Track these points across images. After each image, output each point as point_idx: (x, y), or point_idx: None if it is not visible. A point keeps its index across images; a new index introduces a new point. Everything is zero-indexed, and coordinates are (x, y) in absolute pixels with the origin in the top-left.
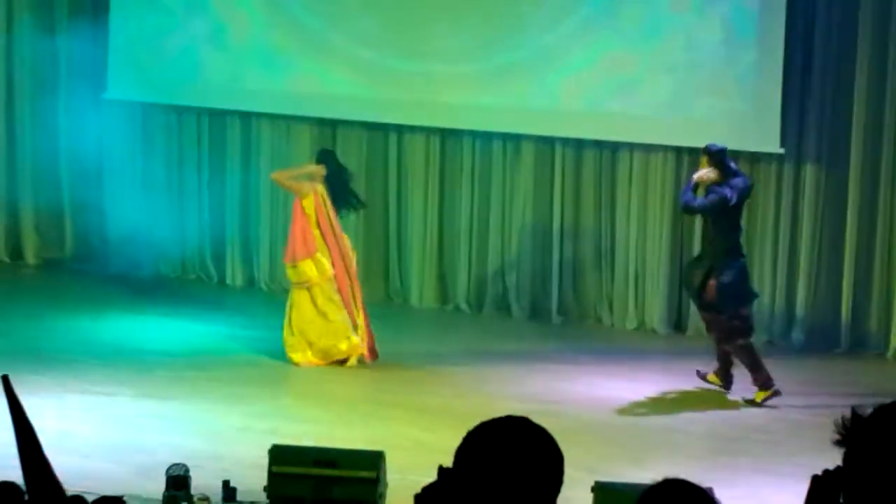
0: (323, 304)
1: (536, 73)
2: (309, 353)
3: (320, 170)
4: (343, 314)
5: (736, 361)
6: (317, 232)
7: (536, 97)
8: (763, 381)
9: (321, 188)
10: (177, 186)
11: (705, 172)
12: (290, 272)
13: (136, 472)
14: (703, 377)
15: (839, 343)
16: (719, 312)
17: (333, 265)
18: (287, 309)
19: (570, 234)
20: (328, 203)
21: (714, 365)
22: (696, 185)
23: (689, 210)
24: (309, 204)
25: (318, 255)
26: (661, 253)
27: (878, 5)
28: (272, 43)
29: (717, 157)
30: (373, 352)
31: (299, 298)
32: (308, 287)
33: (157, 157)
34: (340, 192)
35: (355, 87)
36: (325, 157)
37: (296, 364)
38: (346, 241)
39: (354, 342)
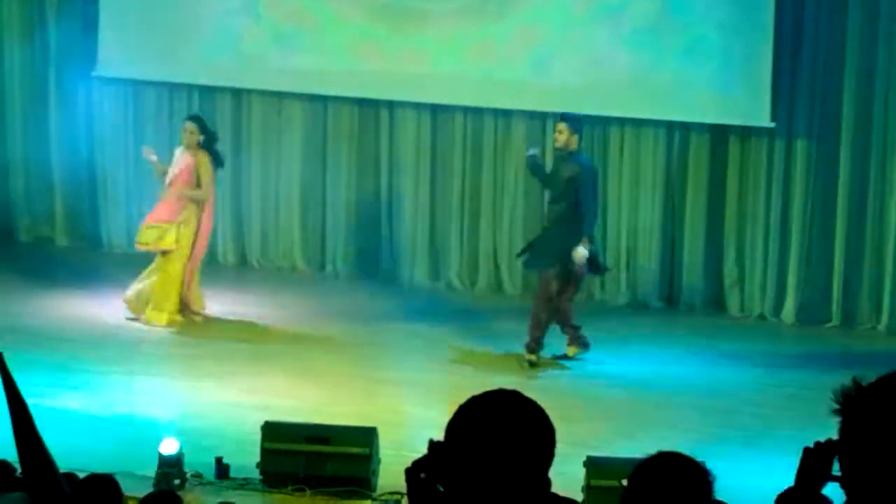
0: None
1: (524, 47)
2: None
3: (196, 138)
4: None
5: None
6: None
7: (526, 71)
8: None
9: (202, 156)
10: (168, 164)
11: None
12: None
13: (129, 449)
14: (566, 356)
15: (830, 317)
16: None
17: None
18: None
19: None
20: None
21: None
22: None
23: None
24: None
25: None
26: (653, 228)
27: None
28: (264, 20)
29: (578, 124)
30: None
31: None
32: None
33: (147, 134)
34: (216, 153)
35: (346, 63)
36: (202, 125)
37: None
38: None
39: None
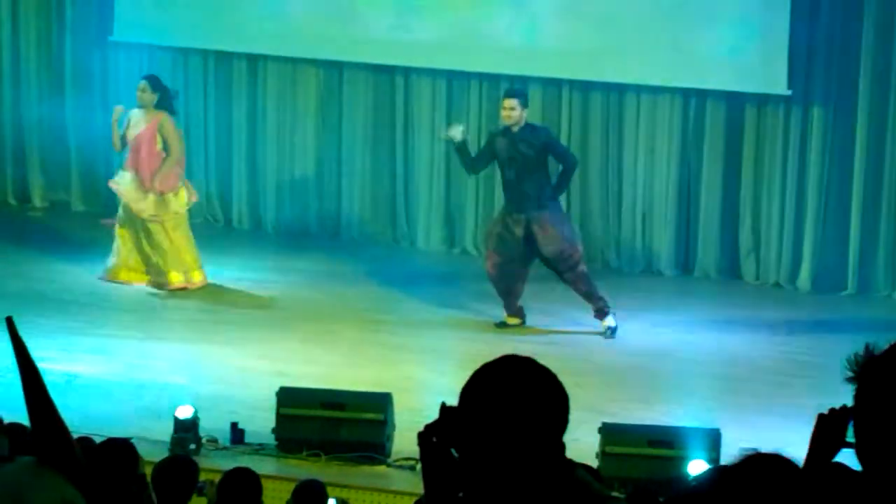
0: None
1: (540, 14)
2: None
3: (150, 97)
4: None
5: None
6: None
7: (541, 37)
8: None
9: (163, 116)
10: (183, 129)
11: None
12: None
13: (144, 414)
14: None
15: (846, 285)
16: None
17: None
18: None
19: (577, 177)
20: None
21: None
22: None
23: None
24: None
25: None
26: (669, 195)
27: None
28: None
29: (526, 98)
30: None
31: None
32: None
33: None
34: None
35: (361, 29)
36: (155, 83)
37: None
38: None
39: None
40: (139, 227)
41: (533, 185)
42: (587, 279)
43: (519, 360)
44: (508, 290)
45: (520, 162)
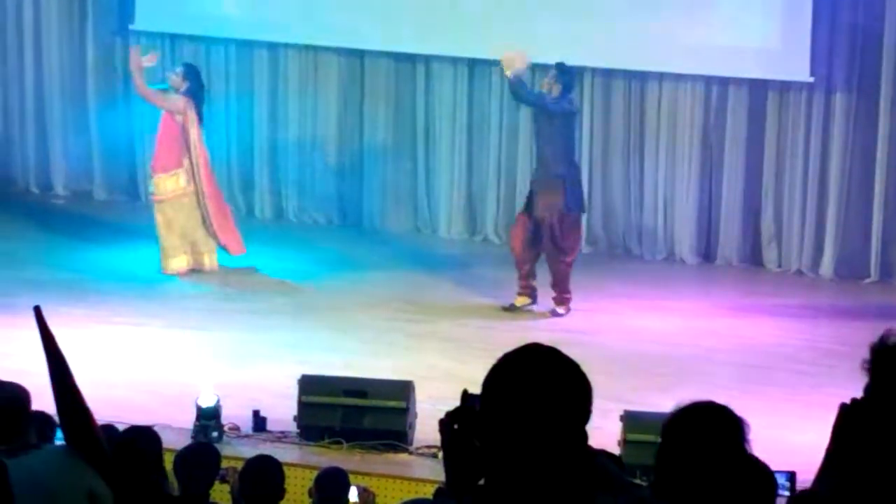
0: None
1: (561, 3)
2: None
3: (182, 84)
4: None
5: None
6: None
7: (562, 25)
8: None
9: (184, 101)
10: (205, 118)
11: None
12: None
13: (167, 401)
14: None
15: (869, 272)
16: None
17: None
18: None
19: (599, 164)
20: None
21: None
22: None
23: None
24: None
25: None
26: (690, 183)
27: None
28: None
29: (565, 75)
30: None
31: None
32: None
33: None
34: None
35: (382, 18)
36: (190, 71)
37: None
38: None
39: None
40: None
41: (557, 143)
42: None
43: (543, 350)
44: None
45: (551, 122)
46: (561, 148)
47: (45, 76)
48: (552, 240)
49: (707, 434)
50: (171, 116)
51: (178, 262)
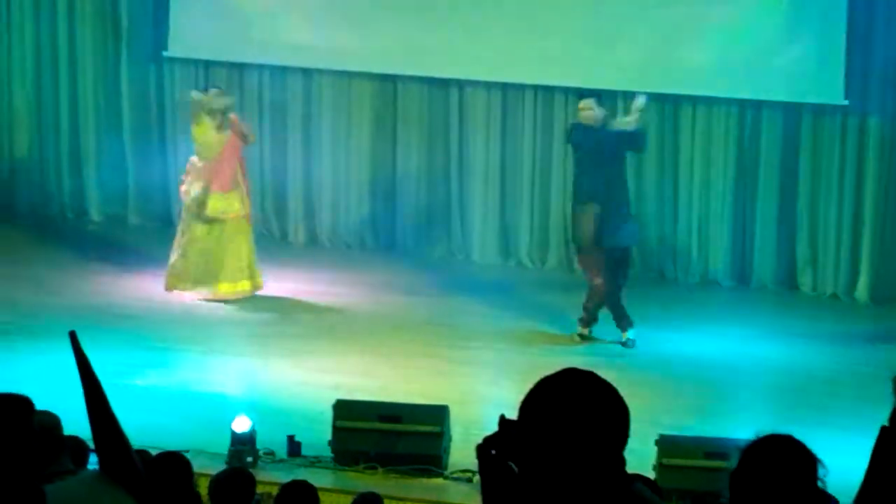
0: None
1: (595, 25)
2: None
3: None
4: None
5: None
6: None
7: (596, 49)
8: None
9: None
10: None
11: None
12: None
13: (202, 426)
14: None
15: None
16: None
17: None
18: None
19: (632, 187)
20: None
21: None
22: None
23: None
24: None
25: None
26: (725, 206)
27: None
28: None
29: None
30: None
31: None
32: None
33: None
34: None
35: (416, 42)
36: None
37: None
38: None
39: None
40: None
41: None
42: None
43: (580, 374)
44: None
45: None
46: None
47: (79, 102)
48: (622, 267)
49: (783, 467)
50: (237, 139)
51: (184, 285)
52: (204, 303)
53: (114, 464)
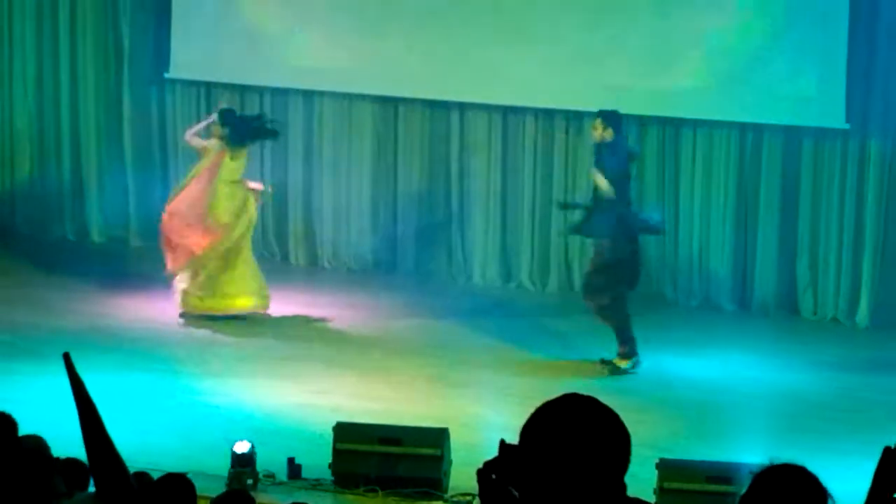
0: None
1: (594, 48)
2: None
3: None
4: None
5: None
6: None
7: (596, 72)
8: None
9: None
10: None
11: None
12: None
13: (201, 449)
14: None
15: None
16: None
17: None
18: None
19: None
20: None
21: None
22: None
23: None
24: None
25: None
26: (726, 230)
27: None
28: (334, 22)
29: (612, 119)
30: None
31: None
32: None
33: None
34: (248, 132)
35: (417, 65)
36: (225, 117)
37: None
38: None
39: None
40: None
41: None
42: None
43: (582, 399)
44: None
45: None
46: None
47: (81, 123)
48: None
49: (793, 498)
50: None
51: (196, 304)
52: (203, 324)
53: (109, 487)
